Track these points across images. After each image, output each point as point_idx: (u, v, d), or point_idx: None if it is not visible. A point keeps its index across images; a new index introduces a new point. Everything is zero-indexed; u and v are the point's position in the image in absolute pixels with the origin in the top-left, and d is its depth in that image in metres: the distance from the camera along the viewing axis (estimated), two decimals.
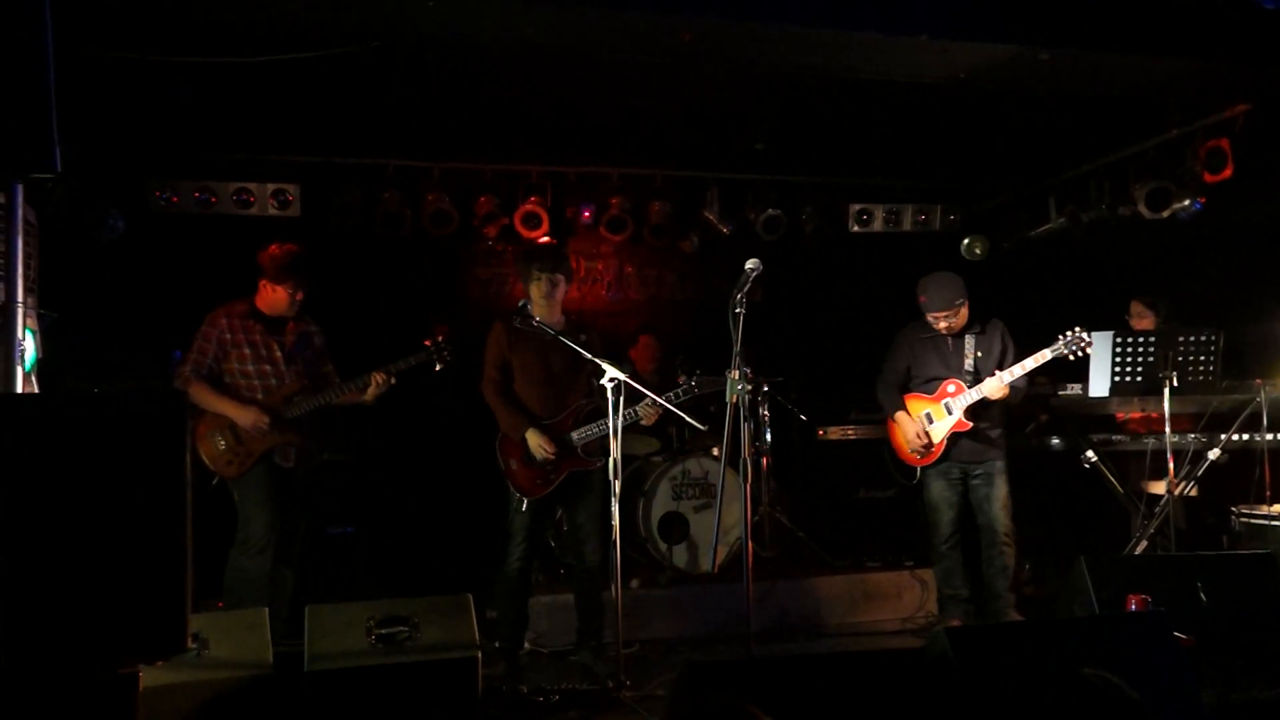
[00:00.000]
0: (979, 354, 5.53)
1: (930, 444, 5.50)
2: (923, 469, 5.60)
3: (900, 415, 5.60)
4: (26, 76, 3.07)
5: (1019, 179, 7.61)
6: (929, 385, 5.59)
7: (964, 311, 5.50)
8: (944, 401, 5.50)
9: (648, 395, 4.94)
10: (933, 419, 5.53)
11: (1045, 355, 5.33)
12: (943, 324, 5.48)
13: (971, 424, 5.44)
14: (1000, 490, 5.54)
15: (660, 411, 5.01)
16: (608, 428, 4.87)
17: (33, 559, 2.41)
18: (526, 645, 5.58)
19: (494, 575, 6.26)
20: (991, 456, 5.55)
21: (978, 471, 5.55)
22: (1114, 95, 5.75)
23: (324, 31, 4.76)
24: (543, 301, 5.11)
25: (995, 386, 5.34)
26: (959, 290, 5.45)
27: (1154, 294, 6.25)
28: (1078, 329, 5.33)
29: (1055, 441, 6.26)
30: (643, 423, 5.12)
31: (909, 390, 5.68)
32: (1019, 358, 5.43)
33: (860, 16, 4.65)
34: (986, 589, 5.58)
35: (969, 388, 5.43)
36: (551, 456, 4.95)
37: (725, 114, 6.33)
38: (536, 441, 4.96)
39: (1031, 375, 5.45)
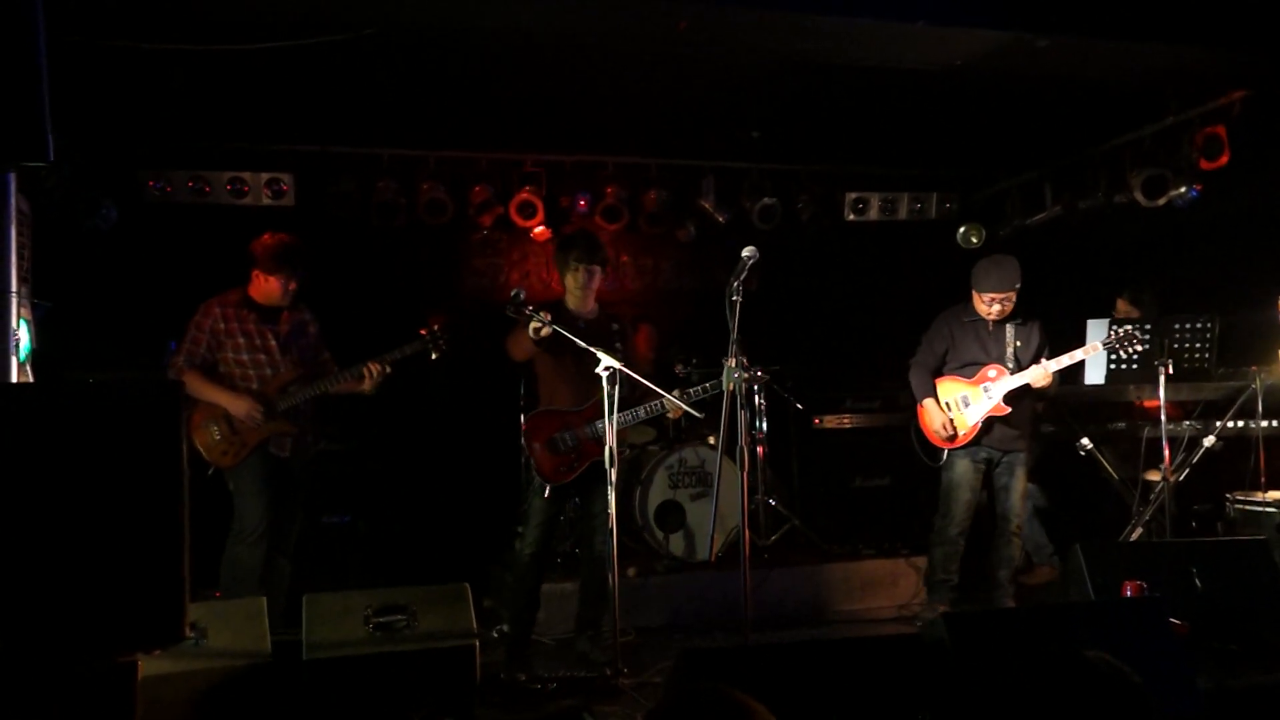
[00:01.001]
0: (1018, 343, 5.50)
1: (954, 434, 5.49)
2: (950, 450, 5.56)
3: (928, 401, 5.56)
4: (19, 65, 3.05)
5: (1015, 167, 7.61)
6: (967, 370, 5.55)
7: (1015, 297, 5.45)
8: (983, 385, 5.46)
9: (661, 392, 4.92)
10: (969, 402, 5.49)
11: (1096, 348, 5.32)
12: (996, 307, 5.42)
13: (1010, 409, 5.42)
14: (1021, 482, 5.55)
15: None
16: (633, 417, 4.93)
17: (30, 549, 2.41)
18: None
19: (492, 564, 6.30)
20: (1020, 447, 5.54)
21: (1004, 460, 5.54)
22: (1111, 82, 5.76)
23: (318, 19, 4.74)
24: (578, 291, 5.11)
25: (1040, 374, 5.31)
26: (1019, 274, 5.40)
27: (1137, 289, 6.25)
28: (1130, 327, 5.32)
29: (1050, 429, 6.27)
30: (669, 416, 5.13)
31: (942, 374, 5.64)
32: (1053, 354, 5.42)
33: (857, 3, 4.65)
34: (989, 577, 5.58)
35: (1011, 374, 5.42)
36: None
37: (721, 102, 6.32)
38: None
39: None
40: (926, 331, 5.75)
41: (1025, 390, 5.41)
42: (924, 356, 5.70)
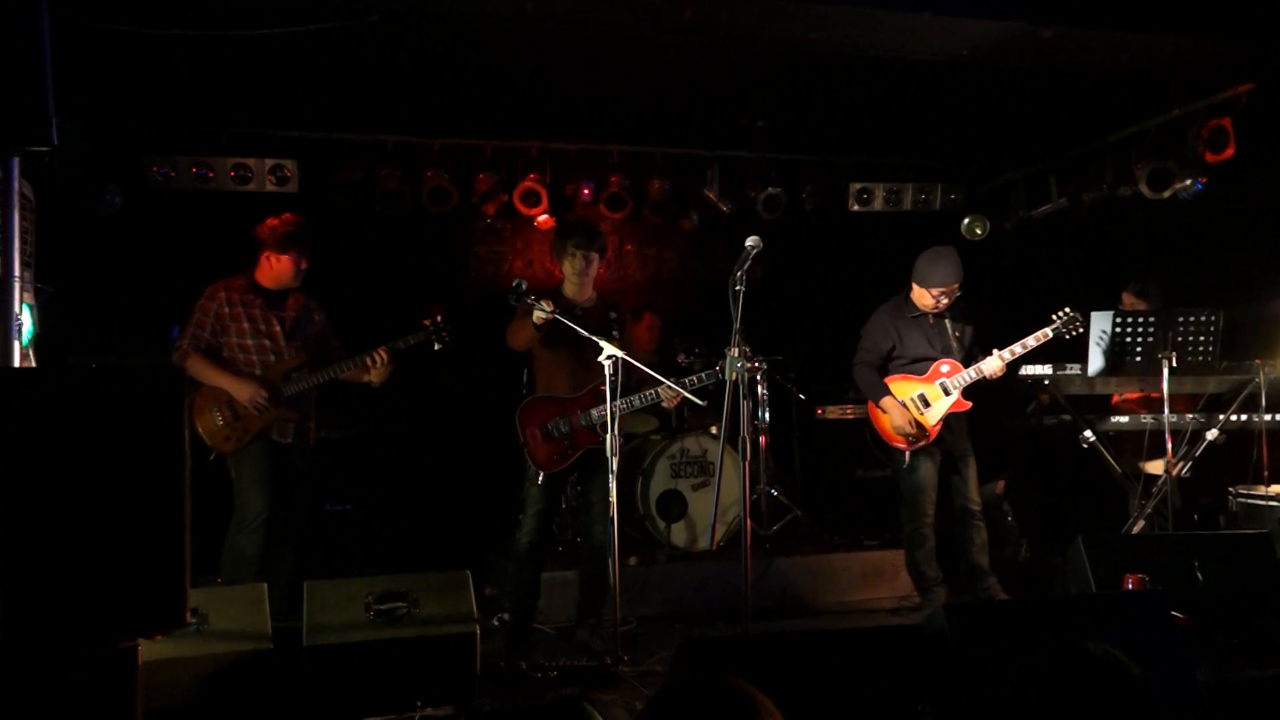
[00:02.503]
0: (958, 335, 5.51)
1: (924, 428, 5.44)
2: (912, 453, 5.50)
3: (888, 401, 5.46)
4: (23, 49, 3.05)
5: (1020, 158, 7.59)
6: (917, 366, 5.51)
7: (958, 289, 5.45)
8: (939, 382, 5.43)
9: (660, 378, 4.92)
10: (928, 400, 5.44)
11: (1046, 334, 5.33)
12: (944, 300, 5.42)
13: (970, 404, 5.42)
14: (974, 471, 5.58)
15: (680, 395, 4.98)
16: (629, 407, 4.94)
17: (32, 534, 2.41)
18: None
19: (493, 551, 6.31)
20: (967, 437, 5.57)
21: (958, 453, 5.55)
22: (1117, 74, 5.74)
23: (323, 5, 4.73)
24: (576, 278, 5.10)
25: (996, 366, 5.31)
26: (961, 265, 5.41)
27: (1144, 281, 6.22)
28: (1068, 309, 5.35)
29: (1053, 421, 6.26)
30: (663, 405, 5.12)
31: (889, 372, 5.58)
32: (984, 339, 5.44)
33: None
34: (973, 569, 5.56)
35: (965, 367, 5.42)
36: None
37: (726, 91, 6.30)
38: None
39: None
40: (865, 328, 5.67)
41: (980, 382, 5.40)
42: (868, 355, 5.61)
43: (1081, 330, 5.39)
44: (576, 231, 5.12)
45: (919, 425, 5.43)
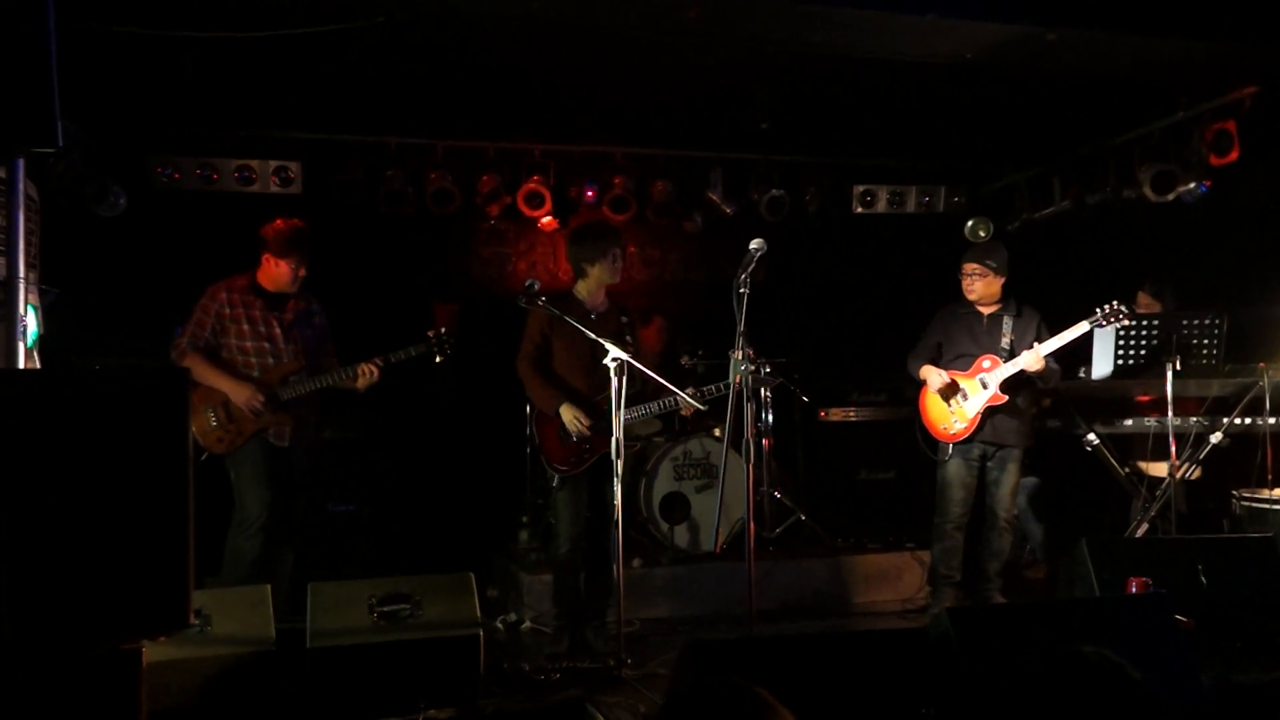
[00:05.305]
0: (1013, 336, 5.50)
1: (957, 387, 5.48)
2: (954, 447, 5.54)
3: (927, 369, 5.59)
4: (28, 50, 3.05)
5: (1024, 161, 7.59)
6: (961, 361, 5.55)
7: (992, 282, 5.48)
8: (979, 376, 5.45)
9: (675, 390, 4.92)
10: (967, 395, 5.48)
11: (1083, 327, 5.29)
12: (966, 280, 5.50)
13: (1007, 398, 5.40)
14: (1013, 477, 5.56)
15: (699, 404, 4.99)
16: (646, 412, 4.94)
17: (36, 535, 2.41)
18: (527, 621, 5.61)
19: (496, 553, 6.32)
20: (1013, 443, 5.52)
21: (997, 454, 5.54)
22: (1121, 76, 5.73)
23: (328, 7, 4.73)
24: (611, 278, 5.10)
25: (1033, 359, 5.27)
26: (996, 255, 5.50)
27: (1160, 282, 6.21)
28: (1115, 302, 5.27)
29: (1056, 425, 6.26)
30: (681, 412, 5.12)
31: (938, 366, 5.64)
32: None
33: None
34: (979, 570, 5.59)
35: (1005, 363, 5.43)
36: (587, 430, 4.92)
37: (729, 93, 6.30)
38: (571, 415, 4.92)
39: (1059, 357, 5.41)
40: (926, 324, 5.81)
41: (1024, 380, 5.40)
42: (920, 348, 5.75)
43: (1125, 319, 5.33)
44: (608, 231, 5.16)
45: (953, 384, 5.48)
